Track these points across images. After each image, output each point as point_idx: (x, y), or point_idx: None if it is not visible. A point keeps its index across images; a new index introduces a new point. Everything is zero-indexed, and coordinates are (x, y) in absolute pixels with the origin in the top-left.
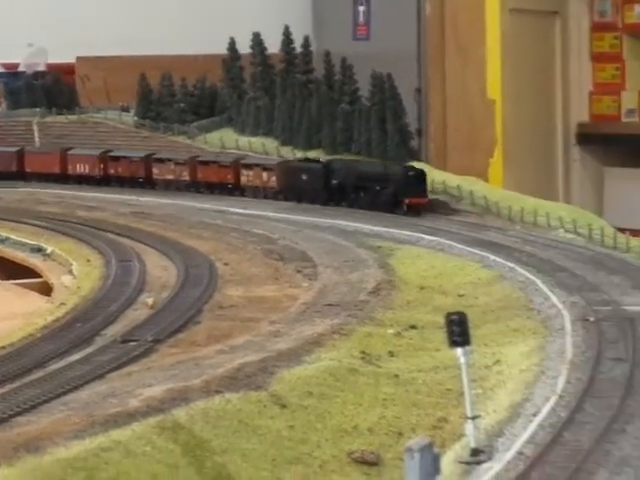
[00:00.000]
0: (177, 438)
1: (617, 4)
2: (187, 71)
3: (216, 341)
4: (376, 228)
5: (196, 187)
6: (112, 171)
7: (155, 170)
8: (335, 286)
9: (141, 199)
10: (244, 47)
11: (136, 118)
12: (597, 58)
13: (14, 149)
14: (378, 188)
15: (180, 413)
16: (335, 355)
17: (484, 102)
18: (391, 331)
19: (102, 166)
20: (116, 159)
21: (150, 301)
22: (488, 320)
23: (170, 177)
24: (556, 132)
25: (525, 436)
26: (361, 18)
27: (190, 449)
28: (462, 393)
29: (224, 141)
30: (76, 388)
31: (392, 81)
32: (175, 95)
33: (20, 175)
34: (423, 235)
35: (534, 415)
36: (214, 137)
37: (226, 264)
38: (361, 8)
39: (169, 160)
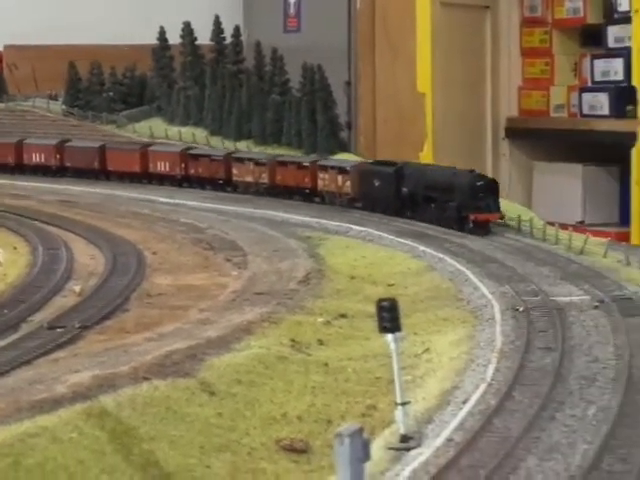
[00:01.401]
0: (104, 425)
1: None
2: (116, 60)
3: (144, 328)
4: (306, 218)
5: (275, 192)
6: (192, 171)
7: (235, 171)
8: (265, 275)
9: (71, 188)
10: (174, 37)
11: (64, 106)
12: (527, 53)
13: (97, 145)
14: (445, 200)
15: (107, 400)
16: (265, 343)
17: (414, 96)
18: (321, 320)
19: (183, 165)
20: (196, 158)
21: (78, 288)
22: (418, 309)
23: (249, 179)
24: (485, 126)
25: (455, 423)
26: (292, 10)
27: (117, 436)
28: (391, 381)
29: (153, 130)
30: (2, 374)
31: (322, 72)
32: (104, 84)
33: (102, 172)
34: (352, 225)
35: (464, 402)
36: (143, 126)
37: (154, 253)
38: (292, 0)
39: (249, 160)
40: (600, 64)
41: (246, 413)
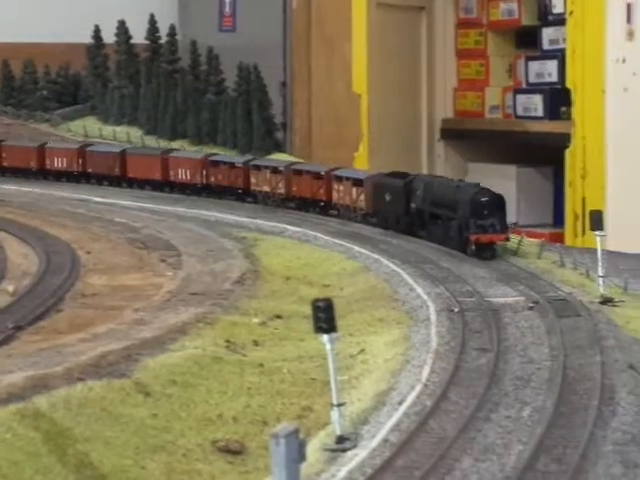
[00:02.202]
0: (38, 426)
1: (482, 1)
2: (51, 59)
3: (79, 329)
4: (240, 219)
5: (289, 202)
6: (213, 179)
7: (253, 179)
8: (199, 275)
9: (4, 187)
10: (109, 35)
11: None
12: (462, 54)
13: (117, 150)
14: (448, 218)
15: (41, 401)
16: (200, 344)
17: (349, 96)
18: (256, 320)
19: (204, 173)
20: (216, 164)
21: (11, 288)
22: (353, 310)
23: (266, 189)
24: (421, 127)
25: (390, 424)
26: (227, 9)
27: (51, 437)
28: (327, 382)
29: (87, 130)
30: None
31: (258, 72)
32: (38, 82)
33: (123, 179)
34: (288, 226)
35: (399, 403)
36: (77, 125)
37: (89, 252)
38: None
39: (266, 167)
40: (535, 66)
41: (181, 414)
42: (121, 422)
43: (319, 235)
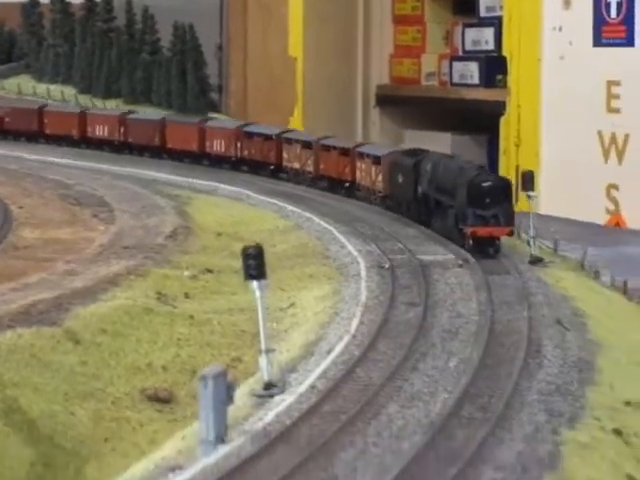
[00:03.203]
0: None
1: None
2: None
3: (9, 279)
4: (173, 177)
5: (319, 182)
6: (247, 152)
7: (285, 155)
8: (132, 230)
9: None
10: None
11: None
12: (399, 20)
13: (157, 118)
14: (449, 205)
15: None
16: (131, 295)
17: (285, 60)
18: (187, 274)
19: (239, 145)
20: (250, 136)
21: None
22: (284, 266)
23: (297, 166)
24: (356, 93)
25: (318, 372)
26: None
27: None
28: (256, 335)
29: (21, 88)
30: None
31: (194, 32)
32: None
33: (161, 149)
34: (221, 185)
35: (328, 353)
36: (12, 83)
37: (21, 207)
38: None
39: (296, 142)
40: (471, 33)
41: (111, 362)
42: (51, 369)
43: (252, 194)
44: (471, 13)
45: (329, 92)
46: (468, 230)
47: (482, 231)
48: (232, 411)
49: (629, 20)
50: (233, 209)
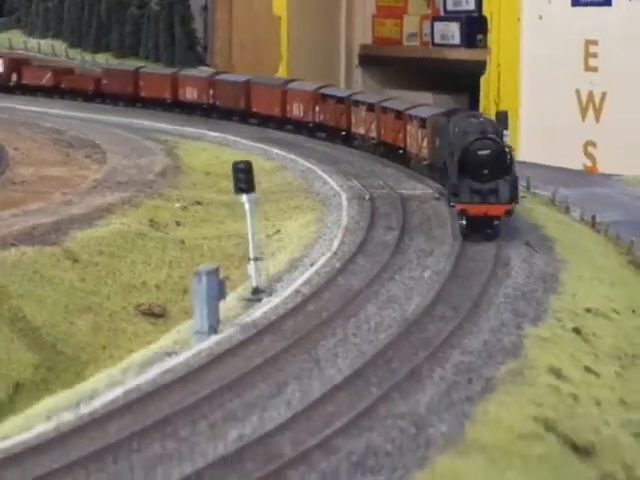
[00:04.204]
0: None
1: None
2: None
3: (10, 207)
4: (161, 125)
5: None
6: (322, 117)
7: (353, 119)
8: (124, 169)
9: None
10: None
11: None
12: None
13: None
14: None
15: None
16: (125, 221)
17: (270, 19)
18: (178, 205)
19: (317, 109)
20: (325, 99)
21: None
22: (270, 200)
23: (362, 131)
24: (339, 53)
25: (302, 279)
26: None
27: None
28: (243, 257)
29: (12, 42)
30: None
31: None
32: None
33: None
34: (208, 131)
35: (311, 265)
36: (2, 38)
37: (16, 149)
38: None
39: (362, 104)
40: None
41: (107, 280)
42: (52, 283)
43: (239, 139)
44: None
45: (313, 51)
46: (458, 207)
47: (475, 209)
48: (222, 312)
49: None
50: (221, 153)
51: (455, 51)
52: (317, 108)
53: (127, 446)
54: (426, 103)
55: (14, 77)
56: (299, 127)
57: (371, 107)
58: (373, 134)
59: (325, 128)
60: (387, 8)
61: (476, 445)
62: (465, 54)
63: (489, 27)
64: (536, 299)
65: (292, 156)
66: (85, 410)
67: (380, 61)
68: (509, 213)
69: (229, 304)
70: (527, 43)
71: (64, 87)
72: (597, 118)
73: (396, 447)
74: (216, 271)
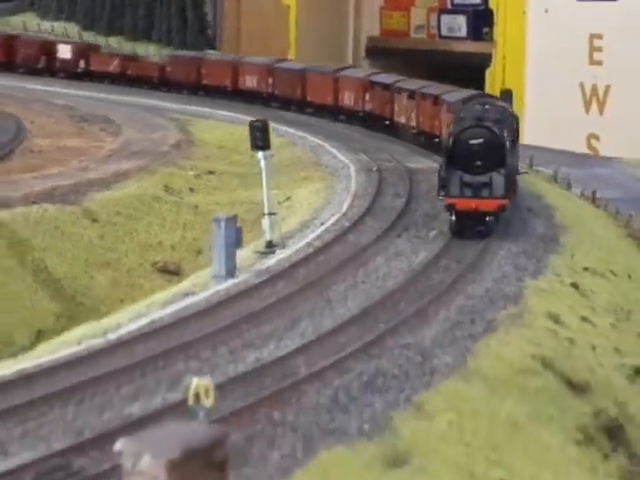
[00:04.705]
0: (1, 233)
1: None
2: None
3: (30, 171)
4: (170, 104)
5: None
6: (370, 107)
7: (396, 107)
8: (138, 141)
9: None
10: None
11: None
12: None
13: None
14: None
15: (3, 214)
16: (141, 185)
17: (278, 8)
18: (191, 173)
19: (367, 97)
20: (372, 86)
21: None
22: (280, 172)
23: (403, 120)
24: (347, 44)
25: (313, 235)
26: None
27: (12, 244)
28: (254, 222)
29: (26, 25)
30: None
31: None
32: None
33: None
34: (219, 110)
35: (321, 224)
36: (16, 21)
37: (32, 122)
38: None
39: (404, 91)
40: None
41: (125, 239)
42: (72, 239)
43: (248, 118)
44: None
45: (321, 41)
46: (446, 201)
47: (464, 204)
48: (238, 262)
49: None
50: (232, 130)
51: (461, 43)
52: (366, 96)
53: (153, 364)
54: (458, 89)
55: (82, 63)
56: (350, 117)
57: (412, 95)
58: (413, 123)
59: (371, 116)
60: (395, 0)
61: (478, 375)
62: (471, 46)
63: (495, 20)
64: (536, 257)
65: (301, 133)
66: (113, 336)
67: (387, 53)
68: (502, 209)
69: (244, 255)
70: (532, 36)
71: (130, 74)
72: (601, 111)
73: (403, 372)
74: (234, 218)
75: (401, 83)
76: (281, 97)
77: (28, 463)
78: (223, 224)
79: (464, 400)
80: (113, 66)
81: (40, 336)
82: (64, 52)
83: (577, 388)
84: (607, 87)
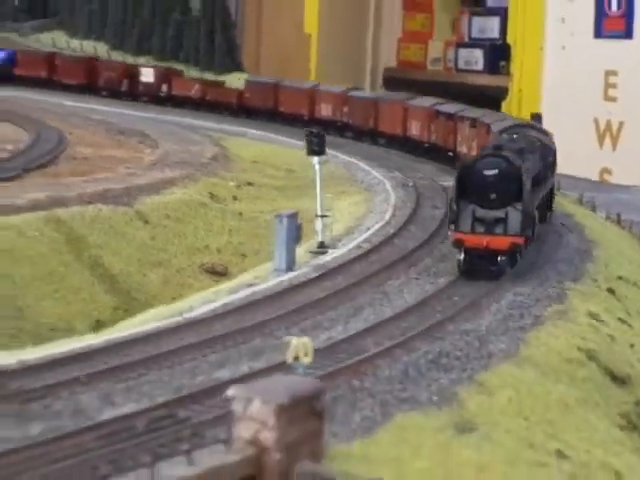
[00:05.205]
0: (59, 230)
1: None
2: None
3: (80, 175)
4: (204, 123)
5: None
6: (434, 137)
7: (459, 137)
8: (177, 153)
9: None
10: None
11: None
12: (409, 7)
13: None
14: None
15: (61, 212)
16: (187, 192)
17: (299, 36)
18: (232, 184)
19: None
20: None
21: (9, 147)
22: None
23: (465, 149)
24: (365, 74)
25: (361, 238)
26: None
27: (71, 240)
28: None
29: (56, 42)
30: None
31: None
32: None
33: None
34: (250, 129)
35: (368, 229)
36: (46, 38)
37: (71, 133)
38: None
39: (467, 119)
40: (478, 21)
41: (174, 241)
42: (126, 239)
43: (279, 137)
44: (479, 3)
45: (340, 70)
46: (453, 236)
47: (473, 240)
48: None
49: (629, 14)
50: (264, 147)
51: (478, 76)
52: (432, 126)
53: (232, 339)
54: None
55: (164, 88)
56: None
57: (475, 123)
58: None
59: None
60: (413, 33)
61: (530, 361)
62: (487, 80)
63: (512, 55)
64: (574, 264)
65: (334, 152)
66: (189, 316)
67: (404, 83)
68: (517, 248)
69: (298, 254)
70: (549, 71)
71: (209, 99)
72: (614, 146)
73: (464, 354)
74: (295, 215)
75: (465, 112)
76: (355, 127)
77: (140, 410)
78: (285, 220)
79: (520, 381)
80: (194, 90)
81: (99, 326)
82: (147, 75)
83: (618, 380)
84: (621, 123)
